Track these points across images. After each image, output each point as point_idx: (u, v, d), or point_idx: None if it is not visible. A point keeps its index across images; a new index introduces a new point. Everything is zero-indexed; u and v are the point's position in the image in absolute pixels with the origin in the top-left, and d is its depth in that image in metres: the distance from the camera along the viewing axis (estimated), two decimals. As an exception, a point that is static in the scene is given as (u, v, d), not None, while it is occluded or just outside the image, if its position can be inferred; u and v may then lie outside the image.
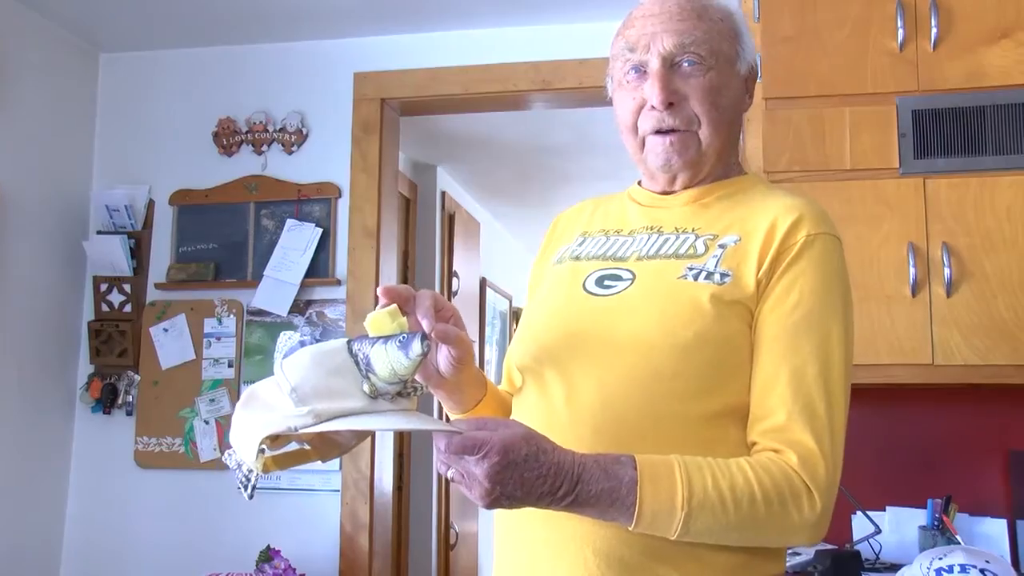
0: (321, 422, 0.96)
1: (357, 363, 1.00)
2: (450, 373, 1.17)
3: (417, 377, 1.06)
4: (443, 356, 1.16)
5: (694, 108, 1.19)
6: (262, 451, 0.99)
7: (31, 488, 2.88)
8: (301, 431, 0.97)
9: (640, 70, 1.21)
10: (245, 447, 0.99)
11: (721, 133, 1.21)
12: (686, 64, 1.19)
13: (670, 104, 1.18)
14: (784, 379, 1.08)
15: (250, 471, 1.01)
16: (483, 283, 5.22)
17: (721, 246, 1.16)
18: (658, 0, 1.22)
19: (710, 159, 1.22)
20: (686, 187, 1.25)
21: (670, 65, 1.19)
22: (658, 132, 1.21)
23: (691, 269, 1.14)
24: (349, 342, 1.02)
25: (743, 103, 1.26)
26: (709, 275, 1.13)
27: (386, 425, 1.04)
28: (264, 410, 0.99)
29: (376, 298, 1.17)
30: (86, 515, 3.00)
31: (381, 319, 1.04)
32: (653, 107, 1.19)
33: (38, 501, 2.91)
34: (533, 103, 3.14)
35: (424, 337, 0.98)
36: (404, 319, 1.06)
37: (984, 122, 2.14)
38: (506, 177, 4.72)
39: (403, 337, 0.99)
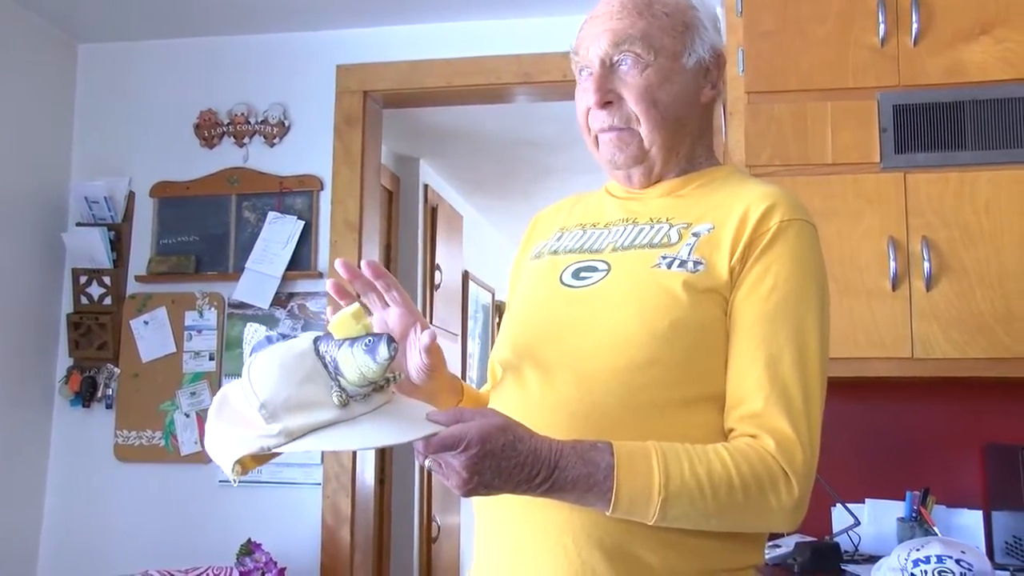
0: (293, 440, 0.95)
1: (326, 366, 0.98)
2: (422, 381, 1.17)
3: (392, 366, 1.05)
4: (413, 364, 1.16)
5: (631, 107, 1.20)
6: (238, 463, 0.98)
7: (8, 483, 2.85)
8: (274, 450, 0.96)
9: (587, 72, 1.23)
10: (221, 459, 0.98)
11: (665, 129, 1.21)
12: (623, 63, 1.20)
13: (608, 103, 1.20)
14: (760, 365, 1.09)
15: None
16: (466, 276, 5.22)
17: (694, 234, 1.16)
18: (604, 3, 1.24)
19: (658, 155, 1.23)
20: (644, 186, 1.26)
21: (609, 65, 1.21)
22: (602, 131, 1.23)
23: (664, 258, 1.15)
24: (316, 340, 1.00)
25: (698, 95, 1.25)
26: (682, 263, 1.13)
27: (359, 444, 1.01)
28: (236, 422, 0.97)
29: (336, 290, 1.17)
30: (64, 509, 2.98)
31: (346, 322, 1.02)
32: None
33: (15, 496, 2.89)
34: (516, 96, 3.14)
35: (390, 340, 0.96)
36: (369, 320, 1.04)
37: (964, 117, 2.15)
38: (489, 170, 4.72)
39: (369, 340, 0.97)
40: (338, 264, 1.14)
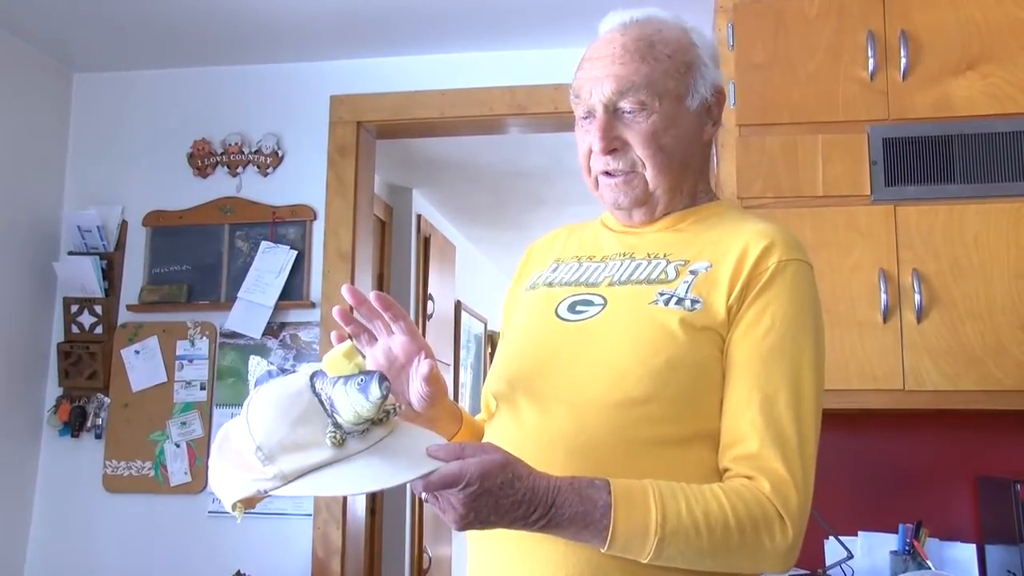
0: (288, 483, 0.95)
1: (322, 403, 0.98)
2: (423, 408, 1.18)
3: (391, 399, 1.05)
4: (414, 391, 1.17)
5: (637, 152, 1.20)
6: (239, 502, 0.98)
7: (-4, 513, 2.82)
8: (270, 493, 0.96)
9: (589, 115, 1.23)
10: (223, 498, 0.99)
11: (671, 171, 1.22)
12: (627, 110, 1.19)
13: (613, 150, 1.20)
14: (756, 406, 1.09)
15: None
16: (458, 306, 5.21)
17: (692, 272, 1.16)
18: (604, 41, 1.23)
19: (662, 196, 1.23)
20: (645, 224, 1.26)
21: (612, 111, 1.20)
22: (606, 174, 1.23)
23: (662, 295, 1.15)
24: (312, 377, 1.01)
25: (701, 134, 1.26)
26: (679, 301, 1.13)
27: (353, 488, 1.00)
28: (235, 462, 0.97)
29: (342, 315, 1.18)
30: (50, 541, 2.94)
31: (337, 361, 1.02)
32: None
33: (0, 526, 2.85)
34: (509, 127, 3.16)
35: (382, 379, 0.97)
36: (360, 359, 1.04)
37: (952, 151, 2.17)
38: (481, 200, 4.73)
39: (361, 379, 0.97)
40: (344, 290, 1.14)
